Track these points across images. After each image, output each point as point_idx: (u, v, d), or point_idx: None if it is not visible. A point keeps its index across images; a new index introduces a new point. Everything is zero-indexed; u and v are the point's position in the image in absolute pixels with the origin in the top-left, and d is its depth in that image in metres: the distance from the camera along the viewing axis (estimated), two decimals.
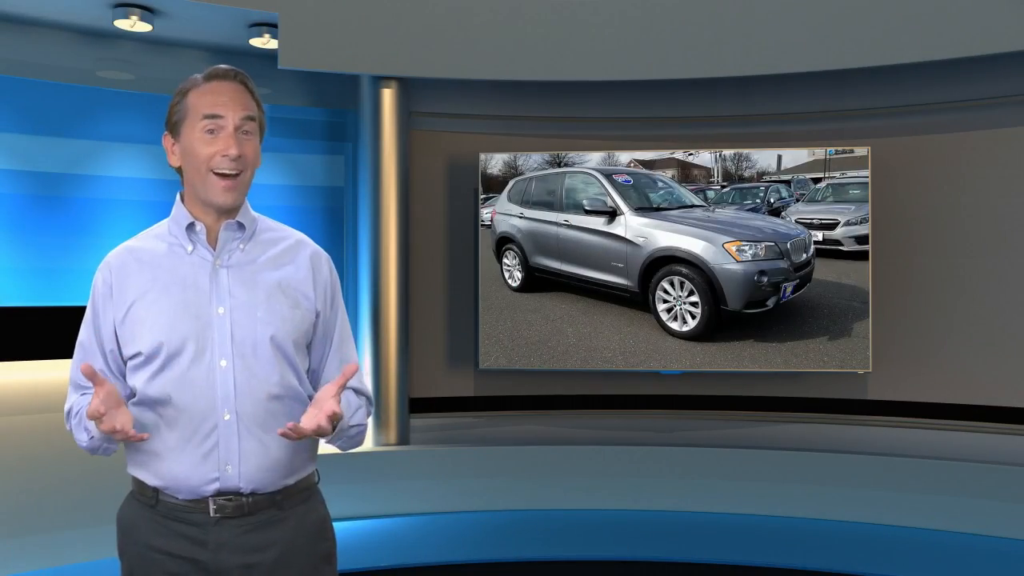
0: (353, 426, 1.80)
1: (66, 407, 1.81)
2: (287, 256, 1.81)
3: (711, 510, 4.62)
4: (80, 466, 3.89)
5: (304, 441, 1.76)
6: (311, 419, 1.64)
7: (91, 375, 1.59)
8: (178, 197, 1.79)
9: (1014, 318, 4.56)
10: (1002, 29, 4.08)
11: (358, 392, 1.87)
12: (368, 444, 4.68)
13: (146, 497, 1.74)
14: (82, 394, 1.79)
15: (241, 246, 1.77)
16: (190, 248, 1.75)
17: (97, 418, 1.58)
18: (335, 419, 1.65)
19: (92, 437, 1.71)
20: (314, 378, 1.85)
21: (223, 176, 1.70)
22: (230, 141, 1.69)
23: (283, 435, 1.63)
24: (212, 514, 1.70)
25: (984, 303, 4.63)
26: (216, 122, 1.69)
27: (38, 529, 3.93)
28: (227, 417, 1.69)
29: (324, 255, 1.86)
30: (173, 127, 1.75)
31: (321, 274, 1.83)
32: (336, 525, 1.90)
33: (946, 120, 4.70)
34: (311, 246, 1.86)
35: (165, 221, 1.81)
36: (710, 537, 4.42)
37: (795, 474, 4.62)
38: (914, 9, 4.24)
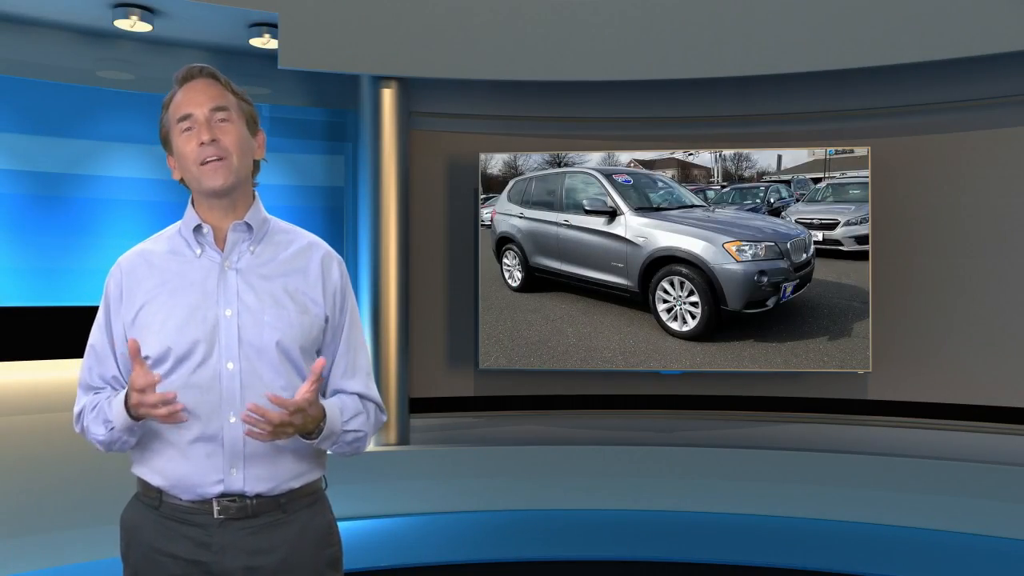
0: (349, 431, 1.78)
1: (76, 408, 1.80)
2: (298, 260, 1.80)
3: (711, 510, 4.62)
4: (80, 466, 3.89)
5: (309, 446, 1.76)
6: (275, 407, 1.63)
7: (135, 352, 1.62)
8: (190, 200, 1.80)
9: (1014, 318, 4.56)
10: (1002, 29, 4.08)
11: (365, 398, 1.85)
12: (369, 444, 4.67)
13: (150, 499, 1.75)
14: (95, 394, 1.79)
15: (251, 248, 1.77)
16: (199, 251, 1.76)
17: (146, 388, 1.59)
18: (295, 411, 1.63)
19: (112, 428, 1.70)
20: (324, 383, 1.84)
21: (206, 162, 1.72)
22: (203, 128, 1.71)
23: (249, 424, 1.61)
24: (216, 515, 1.70)
25: (984, 303, 4.63)
26: (190, 120, 1.73)
27: (38, 529, 3.93)
28: (233, 420, 1.69)
29: (336, 258, 1.86)
30: (165, 142, 1.78)
31: (331, 278, 1.82)
32: (339, 531, 1.89)
33: (946, 120, 4.70)
34: (322, 248, 1.85)
35: (177, 224, 1.82)
36: (710, 537, 4.42)
37: (795, 474, 4.62)
38: (914, 9, 4.24)
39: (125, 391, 1.67)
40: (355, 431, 1.79)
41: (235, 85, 1.79)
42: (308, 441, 1.72)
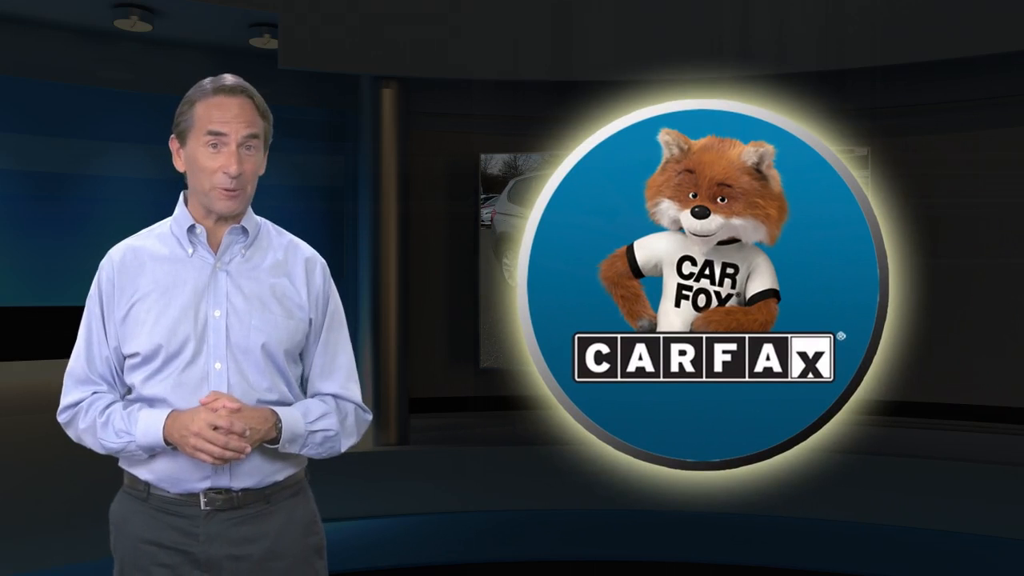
0: (317, 431, 1.78)
1: (68, 399, 1.79)
2: (285, 265, 1.83)
3: (711, 510, 4.62)
4: (81, 466, 3.89)
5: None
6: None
7: (214, 402, 1.68)
8: (181, 197, 1.80)
9: (1014, 318, 4.56)
10: (1002, 29, 4.08)
11: (341, 399, 1.86)
12: (368, 444, 4.68)
13: (137, 491, 1.76)
14: (94, 392, 1.78)
15: (243, 251, 1.79)
16: (191, 251, 1.77)
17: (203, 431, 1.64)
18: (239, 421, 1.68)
19: (130, 441, 1.71)
20: (304, 384, 1.86)
21: (224, 189, 1.72)
22: (231, 159, 1.72)
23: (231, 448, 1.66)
24: (203, 507, 1.73)
25: (984, 303, 4.63)
26: (220, 138, 1.72)
27: (38, 529, 3.94)
28: None
29: (319, 261, 1.88)
30: (180, 134, 1.78)
31: (314, 282, 1.84)
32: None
33: (946, 120, 4.70)
34: (306, 252, 1.87)
35: (168, 220, 1.82)
36: (711, 537, 4.42)
37: (795, 474, 4.62)
38: (915, 9, 4.24)
39: (166, 414, 1.69)
40: (324, 430, 1.79)
41: (264, 103, 1.80)
42: (272, 447, 1.73)
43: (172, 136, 1.79)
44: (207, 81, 1.76)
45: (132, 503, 1.77)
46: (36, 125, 4.24)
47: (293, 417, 1.74)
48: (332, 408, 1.83)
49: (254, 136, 1.75)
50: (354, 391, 1.88)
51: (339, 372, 1.87)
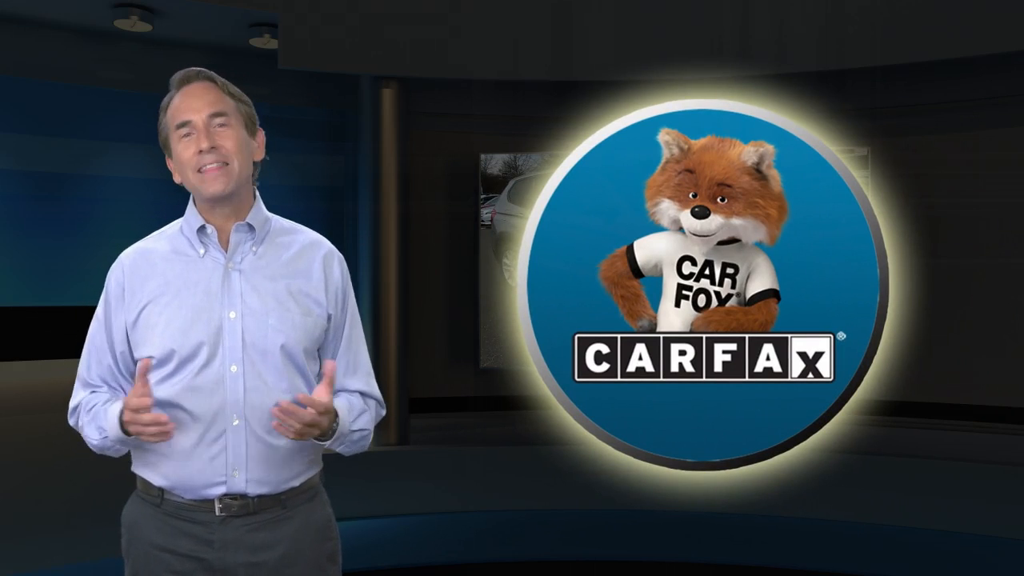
0: (356, 431, 1.79)
1: (72, 402, 1.80)
2: (300, 260, 1.81)
3: (711, 510, 4.62)
4: (81, 466, 3.89)
5: (311, 446, 1.76)
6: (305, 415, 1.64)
7: (144, 371, 1.62)
8: (191, 199, 1.79)
9: (1014, 318, 4.56)
10: (1002, 29, 4.08)
11: (366, 395, 1.87)
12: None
13: (151, 496, 1.75)
14: (92, 392, 1.79)
15: (254, 248, 1.77)
16: (202, 251, 1.75)
17: (140, 408, 1.59)
18: (323, 412, 1.66)
19: (105, 436, 1.71)
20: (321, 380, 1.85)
21: (206, 168, 1.71)
22: (201, 137, 1.71)
23: (278, 427, 1.64)
24: (218, 513, 1.71)
25: (984, 303, 4.63)
26: (188, 127, 1.72)
27: (38, 529, 3.94)
28: (236, 422, 1.69)
29: (337, 256, 1.87)
30: (164, 144, 1.77)
31: (332, 277, 1.83)
32: (336, 525, 1.90)
33: (946, 120, 4.70)
34: (324, 247, 1.86)
35: (178, 222, 1.81)
36: (710, 537, 4.42)
37: (795, 474, 4.61)
38: (915, 9, 4.24)
39: (121, 404, 1.67)
40: (361, 430, 1.81)
41: (232, 86, 1.78)
42: (321, 442, 1.72)
43: (167, 157, 1.78)
44: (172, 86, 1.76)
45: (145, 507, 1.75)
46: (36, 125, 4.24)
47: (343, 415, 1.74)
48: (365, 406, 1.84)
49: (219, 114, 1.72)
50: (376, 386, 1.90)
51: (362, 368, 1.87)
